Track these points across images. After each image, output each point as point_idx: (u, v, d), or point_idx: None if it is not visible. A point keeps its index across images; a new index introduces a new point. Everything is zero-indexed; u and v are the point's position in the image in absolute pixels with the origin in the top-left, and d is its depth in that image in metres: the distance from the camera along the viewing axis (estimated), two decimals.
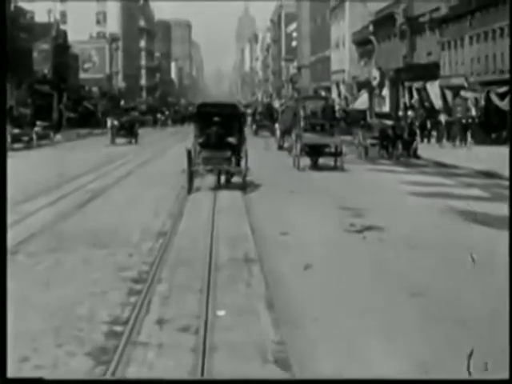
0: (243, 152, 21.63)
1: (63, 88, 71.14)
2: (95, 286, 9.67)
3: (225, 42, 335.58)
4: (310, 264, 10.90)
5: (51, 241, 12.88)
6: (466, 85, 49.10)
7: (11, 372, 6.45)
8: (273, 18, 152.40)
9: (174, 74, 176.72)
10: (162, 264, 10.98)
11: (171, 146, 40.50)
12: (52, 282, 9.94)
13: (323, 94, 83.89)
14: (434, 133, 44.97)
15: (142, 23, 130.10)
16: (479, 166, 27.74)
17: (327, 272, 10.64)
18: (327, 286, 9.80)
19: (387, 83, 67.69)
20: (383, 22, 68.66)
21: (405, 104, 58.98)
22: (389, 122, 35.94)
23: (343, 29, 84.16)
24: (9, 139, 37.82)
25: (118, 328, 7.89)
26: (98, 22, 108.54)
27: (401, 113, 54.03)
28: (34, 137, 43.98)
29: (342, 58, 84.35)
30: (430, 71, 55.46)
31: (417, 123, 42.72)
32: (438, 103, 52.49)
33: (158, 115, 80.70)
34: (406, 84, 60.79)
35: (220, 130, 21.70)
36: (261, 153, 33.72)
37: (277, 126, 43.13)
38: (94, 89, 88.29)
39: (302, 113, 31.11)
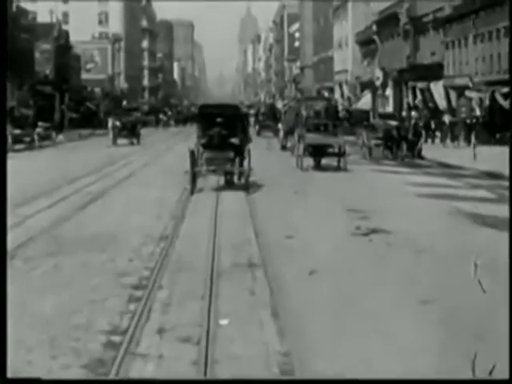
0: (246, 152, 21.47)
1: (65, 88, 70.95)
2: (94, 293, 9.35)
3: (227, 43, 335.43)
4: (315, 269, 10.58)
5: (50, 245, 12.57)
6: (470, 85, 48.80)
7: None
8: (275, 19, 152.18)
9: (176, 75, 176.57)
10: (162, 269, 10.66)
11: (173, 147, 40.27)
12: (49, 288, 9.62)
13: (326, 94, 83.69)
14: (438, 133, 44.67)
15: (144, 23, 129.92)
16: (484, 166, 27.44)
17: (333, 278, 10.29)
18: (333, 294, 9.44)
19: (390, 83, 67.39)
20: (386, 22, 68.36)
21: (408, 104, 58.68)
22: (393, 123, 35.68)
23: (346, 29, 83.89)
24: (10, 140, 37.57)
25: (117, 338, 7.57)
26: (100, 22, 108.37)
27: (404, 113, 53.78)
28: (36, 137, 43.75)
29: (345, 58, 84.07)
30: (434, 71, 55.17)
31: (421, 123, 42.39)
32: (442, 103, 52.18)
33: (161, 116, 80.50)
34: (410, 84, 60.48)
35: (222, 130, 21.57)
36: (264, 153, 33.46)
37: (280, 126, 43.05)
38: (97, 89, 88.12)
39: (304, 113, 30.98)
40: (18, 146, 39.42)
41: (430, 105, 54.10)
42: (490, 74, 46.60)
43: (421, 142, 34.89)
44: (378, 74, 70.18)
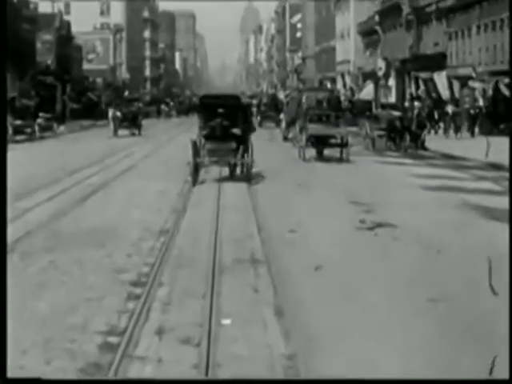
0: (248, 143, 21.29)
1: (67, 79, 70.66)
2: (91, 291, 9.03)
3: (229, 33, 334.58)
4: (320, 265, 10.27)
5: (48, 239, 12.28)
6: (473, 75, 48.46)
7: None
8: (277, 9, 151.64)
9: (178, 65, 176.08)
10: (163, 265, 10.35)
11: (175, 138, 39.98)
12: (46, 286, 9.31)
13: (328, 84, 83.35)
14: (441, 124, 44.33)
15: (146, 14, 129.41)
16: (488, 157, 27.08)
17: (339, 274, 9.96)
18: (340, 291, 9.12)
19: (393, 74, 67.03)
20: (389, 12, 67.96)
21: (411, 95, 58.32)
22: (396, 114, 35.37)
23: (348, 19, 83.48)
24: (11, 131, 37.32)
25: (114, 339, 7.27)
26: (101, 12, 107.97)
27: (407, 103, 53.39)
28: (37, 128, 43.48)
29: (348, 49, 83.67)
30: (437, 61, 54.83)
31: (424, 114, 42.03)
32: (445, 94, 51.85)
33: (162, 106, 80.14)
34: (413, 74, 60.13)
35: (224, 121, 21.40)
36: (266, 144, 33.25)
37: (282, 116, 42.86)
38: (98, 80, 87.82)
39: (305, 104, 30.88)
40: (18, 137, 39.17)
41: (433, 95, 53.75)
42: (494, 64, 46.24)
43: (424, 133, 34.55)
44: (381, 64, 69.79)
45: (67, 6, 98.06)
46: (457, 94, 50.72)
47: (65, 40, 75.86)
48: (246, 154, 21.30)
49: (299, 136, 28.93)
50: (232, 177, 21.64)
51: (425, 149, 33.09)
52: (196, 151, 20.82)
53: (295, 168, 25.03)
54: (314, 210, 15.87)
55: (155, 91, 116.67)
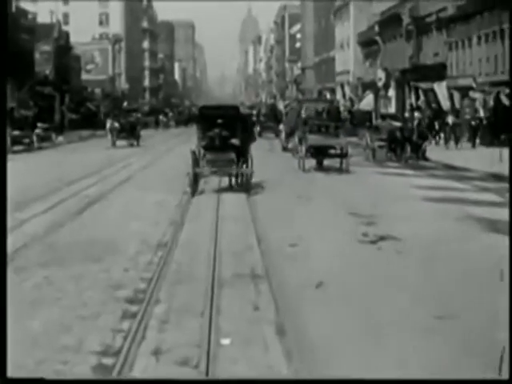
0: (248, 153, 21.16)
1: (65, 89, 70.47)
2: (85, 308, 8.71)
3: (228, 44, 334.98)
4: (322, 281, 9.94)
5: (43, 253, 11.97)
6: (474, 85, 48.24)
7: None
8: (276, 20, 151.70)
9: (177, 76, 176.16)
10: (160, 280, 10.04)
11: (174, 149, 39.72)
12: (39, 303, 9.00)
13: (328, 95, 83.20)
14: (442, 134, 44.07)
15: (145, 24, 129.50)
16: (490, 168, 26.82)
17: (342, 291, 9.61)
18: (343, 309, 8.81)
19: (393, 84, 66.84)
20: (389, 23, 67.81)
21: (411, 105, 58.09)
22: (397, 124, 35.14)
23: (348, 29, 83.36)
24: (9, 141, 37.08)
25: (109, 360, 6.96)
26: (100, 22, 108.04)
27: (407, 114, 53.18)
28: (35, 139, 43.30)
29: (347, 59, 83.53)
30: (437, 72, 54.62)
31: (424, 124, 41.77)
32: (445, 104, 51.61)
33: (161, 117, 79.84)
34: (412, 85, 59.91)
35: (223, 131, 21.26)
36: (265, 154, 33.03)
37: (281, 127, 42.67)
38: (97, 90, 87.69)
39: (304, 115, 30.78)
40: (16, 148, 39.02)
41: (433, 105, 53.51)
42: (495, 74, 46.01)
43: (425, 143, 34.29)
44: (381, 74, 69.60)
45: (66, 16, 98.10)
46: (457, 105, 50.49)
47: (63, 50, 75.73)
48: (245, 165, 21.10)
49: (299, 147, 28.76)
50: (231, 187, 21.45)
51: (426, 159, 32.83)
52: (195, 161, 20.68)
53: (295, 179, 24.81)
54: (314, 222, 15.58)
55: (154, 101, 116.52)
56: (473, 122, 42.89)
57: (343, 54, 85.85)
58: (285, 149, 38.58)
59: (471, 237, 13.65)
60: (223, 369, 6.75)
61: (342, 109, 58.83)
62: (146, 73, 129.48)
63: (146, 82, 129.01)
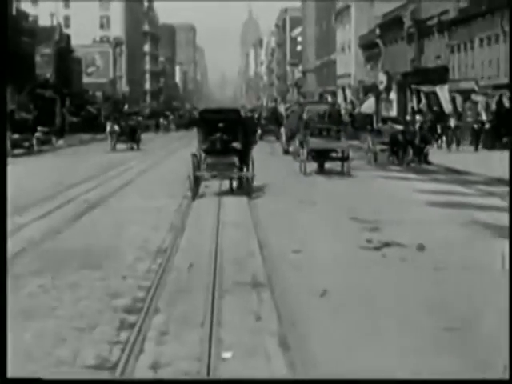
0: (249, 157, 21.01)
1: (66, 92, 70.24)
2: (81, 319, 8.39)
3: (229, 47, 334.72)
4: (326, 290, 9.64)
5: (39, 260, 11.68)
6: (476, 88, 48.01)
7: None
8: (277, 22, 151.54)
9: (178, 79, 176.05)
10: (159, 289, 9.74)
11: (174, 153, 39.49)
12: (33, 313, 8.69)
13: (329, 98, 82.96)
14: (444, 138, 43.82)
15: (146, 27, 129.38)
16: (493, 172, 26.52)
17: (347, 300, 9.29)
18: (349, 319, 8.48)
19: (394, 87, 66.59)
20: (390, 26, 67.60)
21: (412, 108, 57.86)
22: (399, 127, 34.89)
23: (349, 32, 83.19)
24: (8, 145, 36.84)
25: (105, 375, 6.68)
26: (101, 26, 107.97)
27: (408, 117, 52.93)
28: (35, 142, 43.13)
29: (348, 62, 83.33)
30: (439, 75, 54.42)
31: (426, 128, 41.52)
32: (447, 107, 51.37)
33: (161, 120, 79.57)
34: (414, 88, 59.66)
35: (224, 135, 21.08)
36: (266, 157, 32.81)
37: (282, 130, 42.54)
38: (98, 93, 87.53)
39: (305, 118, 30.69)
40: (16, 151, 38.83)
41: (435, 108, 53.27)
42: (497, 77, 45.76)
43: (427, 147, 34.02)
44: (382, 77, 69.38)
45: (67, 19, 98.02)
46: (460, 108, 50.26)
47: (64, 53, 75.55)
48: (246, 168, 20.90)
49: (300, 150, 28.60)
50: (232, 191, 21.26)
51: (428, 163, 32.57)
52: (196, 165, 20.53)
53: (296, 182, 24.62)
54: (317, 227, 15.31)
55: (155, 105, 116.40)
56: (475, 126, 42.65)
57: (344, 57, 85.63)
58: (286, 152, 38.50)
59: (479, 244, 13.32)
60: None
61: (343, 112, 58.64)
62: (147, 76, 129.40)
63: (147, 85, 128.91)
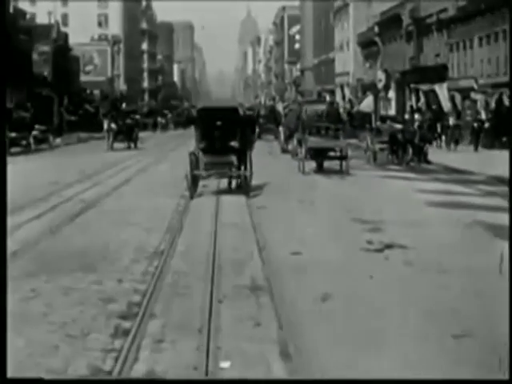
0: (247, 156, 20.84)
1: (64, 91, 69.91)
2: (74, 326, 8.09)
3: (227, 45, 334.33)
4: (328, 294, 9.34)
5: (32, 263, 11.39)
6: (475, 87, 47.76)
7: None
8: (275, 20, 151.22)
9: (176, 77, 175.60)
10: (155, 293, 9.45)
11: (172, 151, 39.28)
12: (24, 319, 8.37)
13: (327, 97, 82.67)
14: (443, 136, 43.56)
15: (144, 25, 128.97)
16: (494, 171, 26.24)
17: (349, 306, 9.00)
18: (353, 327, 8.19)
19: (393, 85, 66.33)
20: (389, 24, 67.33)
21: (411, 107, 57.57)
22: (398, 126, 34.60)
23: (347, 31, 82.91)
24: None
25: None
26: (99, 24, 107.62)
27: (407, 116, 52.66)
28: (32, 141, 42.83)
29: (347, 61, 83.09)
30: (438, 73, 54.16)
31: (425, 126, 41.25)
32: (446, 106, 51.12)
33: (159, 118, 79.23)
34: (413, 86, 59.42)
35: (222, 134, 20.85)
36: (264, 156, 32.58)
37: (281, 129, 42.38)
38: (96, 91, 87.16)
39: (305, 116, 30.52)
40: (13, 150, 38.54)
41: (434, 107, 53.01)
42: (497, 75, 45.51)
43: (426, 145, 33.76)
44: (381, 76, 69.12)
45: (65, 17, 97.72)
46: (459, 106, 50.03)
47: (62, 51, 75.24)
48: (244, 167, 20.76)
49: (298, 149, 28.45)
50: (231, 189, 21.20)
51: (428, 162, 32.31)
52: (194, 164, 20.38)
53: (295, 181, 24.45)
54: (316, 227, 15.02)
55: (153, 103, 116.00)
56: (475, 125, 42.39)
57: (343, 56, 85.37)
58: (284, 151, 38.31)
59: (484, 246, 13.00)
60: None
61: (341, 110, 58.39)
62: (145, 74, 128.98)
63: (145, 84, 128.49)
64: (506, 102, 42.91)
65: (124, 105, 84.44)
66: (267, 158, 32.46)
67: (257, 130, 52.56)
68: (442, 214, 17.01)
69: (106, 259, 11.65)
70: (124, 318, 8.37)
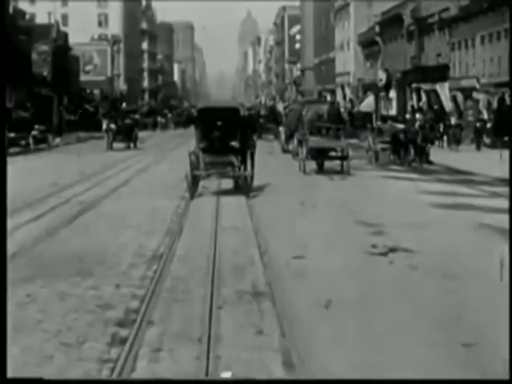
0: (247, 156, 20.78)
1: (63, 90, 69.71)
2: (69, 334, 7.82)
3: (227, 45, 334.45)
4: (331, 300, 9.06)
5: (28, 267, 11.11)
6: (477, 86, 47.51)
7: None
8: (276, 20, 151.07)
9: (176, 77, 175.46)
10: (154, 299, 9.18)
11: (172, 151, 39.06)
12: (18, 327, 8.07)
13: (328, 96, 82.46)
14: (445, 137, 43.31)
15: (144, 25, 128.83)
16: (496, 172, 25.95)
17: (353, 312, 8.74)
18: (357, 334, 7.92)
19: (394, 85, 66.08)
20: (390, 23, 67.13)
21: (412, 107, 57.35)
22: (400, 126, 34.35)
23: (348, 30, 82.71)
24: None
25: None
26: (99, 23, 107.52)
27: (408, 116, 52.44)
28: (31, 141, 42.65)
29: (347, 60, 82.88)
30: (440, 73, 53.95)
31: (427, 126, 40.98)
32: (448, 105, 50.88)
33: (159, 118, 79.04)
34: (414, 86, 59.18)
35: (222, 134, 20.68)
36: (265, 156, 32.31)
37: (281, 129, 42.31)
38: (96, 91, 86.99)
39: (306, 117, 30.42)
40: (12, 150, 38.33)
41: (436, 107, 52.77)
42: (499, 75, 45.24)
43: (428, 146, 33.52)
44: (381, 75, 68.88)
45: (65, 17, 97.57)
46: (461, 106, 49.79)
47: (62, 51, 75.02)
48: (244, 167, 20.64)
49: (299, 149, 28.29)
50: (231, 189, 21.00)
51: (430, 163, 32.06)
52: (194, 164, 20.24)
53: (297, 182, 24.32)
54: (319, 230, 14.74)
55: (153, 103, 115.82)
56: (477, 124, 42.15)
57: (343, 55, 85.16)
58: (284, 151, 38.18)
59: (491, 249, 12.65)
60: None
61: (342, 110, 58.17)
62: (145, 74, 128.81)
63: (145, 84, 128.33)
64: (508, 101, 42.67)
65: (124, 104, 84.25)
66: (268, 158, 32.22)
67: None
68: (447, 216, 16.70)
69: (103, 263, 11.37)
70: (121, 326, 8.09)
